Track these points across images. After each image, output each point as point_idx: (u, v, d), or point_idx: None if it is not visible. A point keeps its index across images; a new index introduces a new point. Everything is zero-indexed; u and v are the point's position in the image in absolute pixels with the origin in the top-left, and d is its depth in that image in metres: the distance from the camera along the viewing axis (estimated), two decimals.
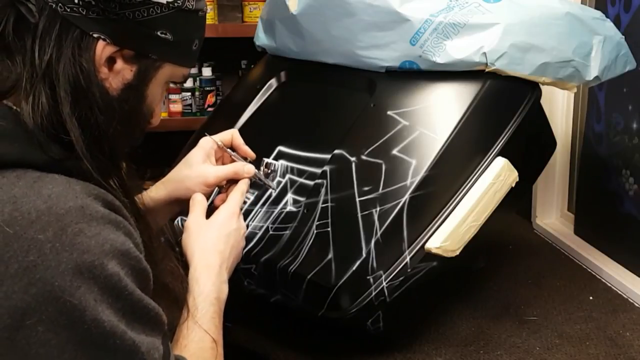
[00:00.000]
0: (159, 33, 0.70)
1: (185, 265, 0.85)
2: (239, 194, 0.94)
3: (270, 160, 1.04)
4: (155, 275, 0.68)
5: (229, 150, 0.99)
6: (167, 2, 0.69)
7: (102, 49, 0.67)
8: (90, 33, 0.66)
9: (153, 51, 0.71)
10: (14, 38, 0.66)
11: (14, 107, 0.65)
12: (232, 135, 1.00)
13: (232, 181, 0.96)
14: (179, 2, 0.70)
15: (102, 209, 0.62)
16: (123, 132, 0.71)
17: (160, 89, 0.76)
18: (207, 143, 0.98)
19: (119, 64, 0.70)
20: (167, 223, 1.02)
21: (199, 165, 0.95)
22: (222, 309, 0.84)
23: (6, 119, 0.64)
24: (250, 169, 0.97)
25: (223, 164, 1.00)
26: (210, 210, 0.93)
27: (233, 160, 0.99)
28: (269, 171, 1.03)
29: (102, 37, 0.67)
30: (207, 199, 0.95)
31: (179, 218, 1.10)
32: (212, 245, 0.87)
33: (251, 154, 1.01)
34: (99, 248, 0.59)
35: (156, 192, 0.95)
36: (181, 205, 0.96)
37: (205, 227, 0.89)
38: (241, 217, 0.93)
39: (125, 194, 0.71)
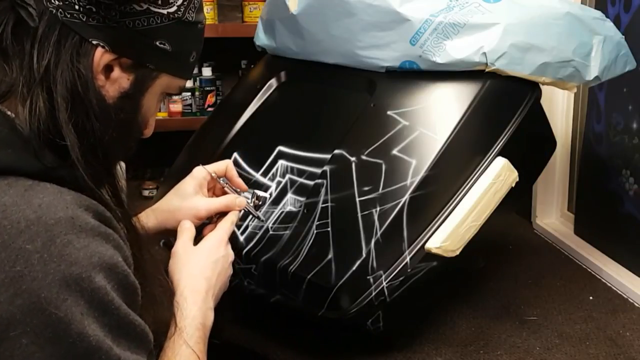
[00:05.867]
0: (157, 43, 0.70)
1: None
2: (228, 223, 0.93)
3: (261, 192, 1.04)
4: (143, 287, 0.67)
5: (221, 181, 0.99)
6: (167, 12, 0.69)
7: (101, 56, 0.67)
8: (90, 40, 0.66)
9: (151, 61, 0.71)
10: (12, 42, 0.65)
11: (8, 112, 0.64)
12: (226, 166, 0.99)
13: (222, 212, 0.96)
14: (179, 13, 0.70)
15: (93, 221, 0.61)
16: (118, 141, 0.70)
17: (156, 99, 0.75)
18: (200, 173, 0.97)
19: (116, 72, 0.69)
20: None
21: (191, 197, 0.95)
22: (207, 335, 0.82)
23: (0, 124, 0.63)
24: (241, 202, 0.97)
25: (214, 193, 1.00)
26: (198, 240, 0.92)
27: (224, 192, 0.99)
28: (259, 203, 1.04)
29: (101, 44, 0.67)
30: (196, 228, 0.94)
31: None
32: (199, 271, 0.86)
33: (244, 187, 1.00)
34: (87, 260, 0.58)
35: (146, 220, 0.92)
36: (170, 235, 0.95)
37: (192, 253, 0.88)
38: (229, 245, 0.92)
39: (117, 203, 0.70)
